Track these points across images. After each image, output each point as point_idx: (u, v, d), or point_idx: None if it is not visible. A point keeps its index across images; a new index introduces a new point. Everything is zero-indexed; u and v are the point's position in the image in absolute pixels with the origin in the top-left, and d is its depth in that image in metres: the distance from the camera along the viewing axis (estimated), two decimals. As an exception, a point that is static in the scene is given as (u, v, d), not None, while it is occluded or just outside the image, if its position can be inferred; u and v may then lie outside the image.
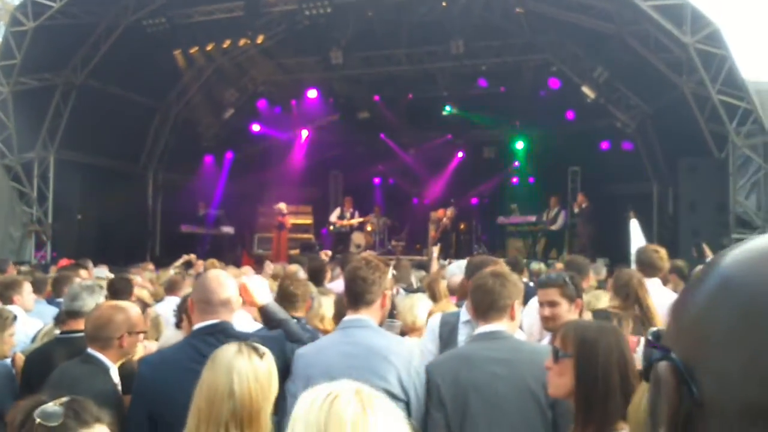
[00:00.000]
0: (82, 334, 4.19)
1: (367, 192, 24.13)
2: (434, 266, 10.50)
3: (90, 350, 3.99)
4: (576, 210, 18.71)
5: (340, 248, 20.18)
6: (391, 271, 3.79)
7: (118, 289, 6.88)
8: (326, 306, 5.62)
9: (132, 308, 4.17)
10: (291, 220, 21.17)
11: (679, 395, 0.75)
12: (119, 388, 3.91)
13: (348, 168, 24.65)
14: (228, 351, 2.73)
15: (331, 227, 21.34)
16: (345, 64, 19.18)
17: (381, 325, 3.76)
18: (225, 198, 22.80)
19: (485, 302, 3.60)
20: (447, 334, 4.63)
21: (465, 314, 4.56)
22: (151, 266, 12.67)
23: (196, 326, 3.64)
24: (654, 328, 0.84)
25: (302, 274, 8.59)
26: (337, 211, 21.40)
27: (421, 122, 22.69)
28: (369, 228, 21.73)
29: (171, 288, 8.14)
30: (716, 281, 0.77)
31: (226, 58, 20.24)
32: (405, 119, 22.87)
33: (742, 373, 0.70)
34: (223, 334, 3.53)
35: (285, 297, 5.15)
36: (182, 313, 5.18)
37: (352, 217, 21.12)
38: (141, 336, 4.13)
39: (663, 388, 0.77)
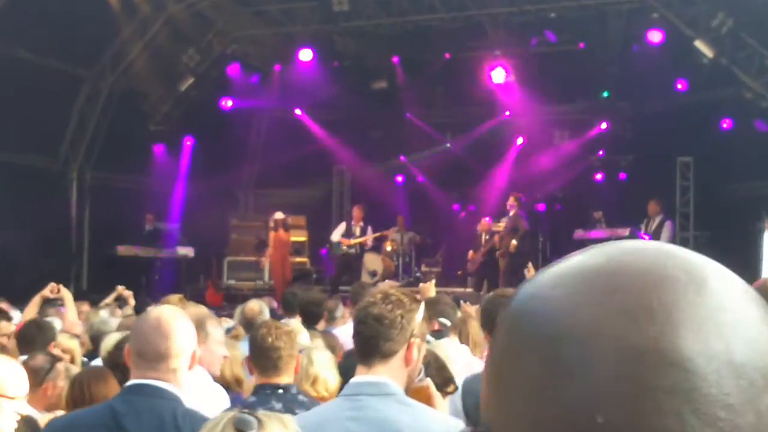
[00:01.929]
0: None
1: (385, 196, 24.06)
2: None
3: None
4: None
5: (347, 277, 20.08)
6: (421, 310, 3.75)
7: (29, 338, 6.91)
8: (320, 361, 5.64)
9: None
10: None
11: None
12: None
13: (358, 161, 24.68)
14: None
15: (334, 248, 21.28)
16: (352, 12, 19.18)
17: (408, 390, 3.72)
18: (182, 206, 22.83)
19: None
20: (474, 407, 4.63)
21: None
22: (85, 306, 12.70)
23: (126, 384, 3.90)
24: None
25: (266, 313, 8.65)
26: (341, 227, 21.30)
27: (463, 94, 22.61)
28: (389, 247, 21.65)
29: (99, 336, 8.10)
30: (506, 320, 0.89)
31: (181, 6, 20.27)
32: (440, 90, 22.79)
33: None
34: (154, 397, 3.72)
35: (260, 353, 5.10)
36: (110, 367, 5.32)
37: (364, 232, 21.02)
38: (4, 401, 4.17)
39: None
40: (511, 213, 19.64)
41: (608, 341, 0.80)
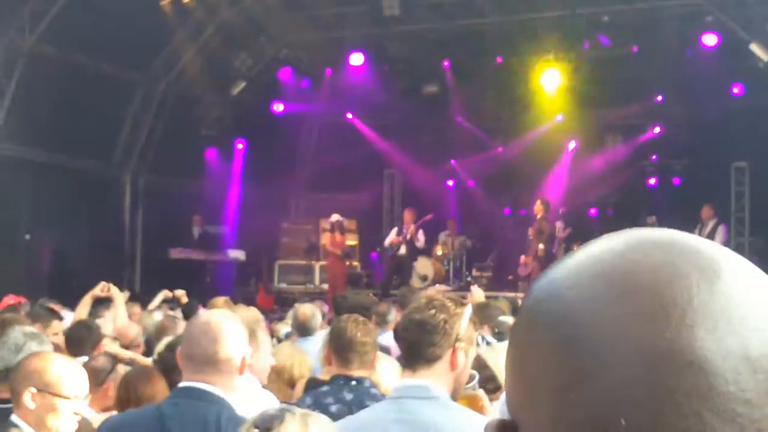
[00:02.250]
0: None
1: (436, 200, 24.05)
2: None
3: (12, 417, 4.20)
4: None
5: (397, 280, 20.13)
6: (467, 314, 3.77)
7: (78, 339, 6.98)
8: (384, 366, 5.71)
9: (57, 361, 4.33)
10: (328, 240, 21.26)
11: None
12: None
13: (409, 165, 24.69)
14: None
15: (383, 248, 21.32)
16: (404, 17, 19.21)
17: (456, 395, 3.76)
18: (234, 209, 23.04)
19: None
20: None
21: None
22: (137, 308, 12.83)
23: (176, 386, 4.00)
24: None
25: (318, 317, 8.79)
26: (393, 233, 21.37)
27: (514, 98, 22.61)
28: (440, 251, 21.67)
29: (159, 337, 8.10)
30: (524, 317, 0.90)
31: (234, 11, 20.48)
32: (491, 94, 22.76)
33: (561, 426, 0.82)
34: (201, 400, 3.75)
35: (344, 346, 5.24)
36: (162, 370, 5.42)
37: (414, 236, 21.00)
38: (62, 401, 4.21)
39: None
40: (538, 217, 19.63)
41: (626, 344, 0.81)
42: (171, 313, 11.23)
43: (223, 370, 3.84)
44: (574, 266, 0.89)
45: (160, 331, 8.54)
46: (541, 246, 19.54)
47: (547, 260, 19.17)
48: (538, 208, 19.93)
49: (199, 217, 21.92)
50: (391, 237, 21.01)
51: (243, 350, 3.91)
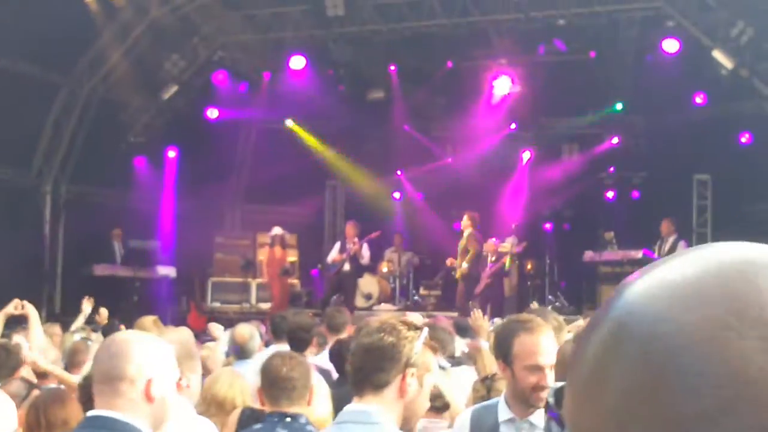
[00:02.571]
0: None
1: (381, 213, 24.02)
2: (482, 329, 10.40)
3: None
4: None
5: (339, 299, 20.03)
6: (421, 338, 3.76)
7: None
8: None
9: None
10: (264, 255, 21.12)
11: None
12: None
13: (353, 176, 24.69)
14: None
15: (325, 265, 21.21)
16: (348, 17, 19.21)
17: (408, 425, 3.80)
18: (164, 222, 22.80)
19: None
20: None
21: (505, 407, 4.68)
22: (56, 328, 12.69)
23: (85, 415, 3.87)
24: (556, 385, 1.03)
25: (257, 338, 8.81)
26: (336, 248, 21.17)
27: (465, 106, 22.63)
28: (385, 269, 21.60)
29: (72, 361, 8.21)
30: (609, 327, 0.89)
31: (165, 9, 20.29)
32: (441, 101, 22.78)
33: None
34: (105, 429, 3.57)
35: (273, 383, 5.31)
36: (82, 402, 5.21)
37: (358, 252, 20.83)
38: None
39: None
40: (465, 233, 19.51)
41: (717, 365, 0.80)
42: (92, 335, 11.07)
43: (124, 393, 3.61)
44: (660, 281, 0.88)
45: (72, 354, 8.47)
46: (465, 265, 19.32)
47: (471, 281, 19.14)
48: (465, 223, 19.73)
49: (119, 231, 21.70)
50: (334, 253, 20.83)
51: (149, 371, 3.65)
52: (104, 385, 3.66)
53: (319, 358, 8.71)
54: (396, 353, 3.64)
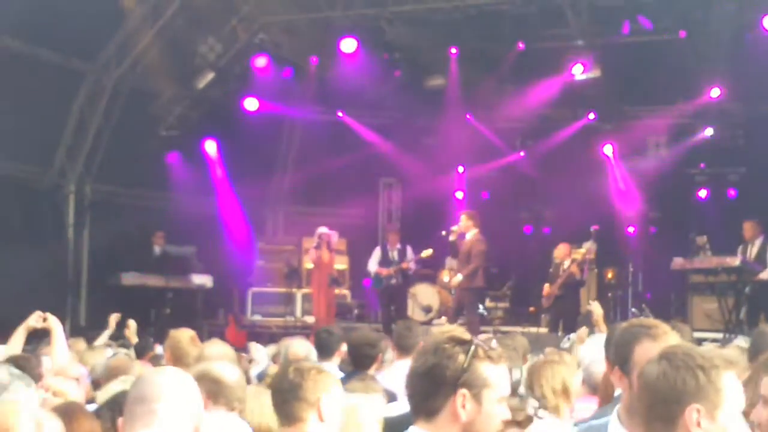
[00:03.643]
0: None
1: (442, 216, 23.75)
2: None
3: None
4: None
5: (393, 311, 19.93)
6: (470, 352, 3.77)
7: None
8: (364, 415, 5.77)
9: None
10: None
11: None
12: None
13: (410, 173, 24.69)
14: None
15: (375, 280, 21.06)
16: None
17: None
18: (200, 226, 22.73)
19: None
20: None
21: (617, 425, 4.56)
22: (81, 343, 12.68)
23: None
24: None
25: (313, 356, 8.81)
26: (376, 254, 21.15)
27: (537, 93, 22.45)
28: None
29: (110, 378, 8.07)
30: None
31: (199, -13, 20.33)
32: (509, 88, 22.62)
33: None
34: None
35: (283, 391, 5.35)
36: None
37: (402, 257, 20.83)
38: None
39: None
40: (468, 236, 19.12)
41: None
42: (125, 351, 11.06)
43: (172, 417, 3.80)
44: None
45: (111, 372, 8.41)
46: (460, 276, 18.93)
47: (472, 295, 18.87)
48: (466, 224, 19.25)
49: (162, 234, 21.74)
50: (376, 258, 20.80)
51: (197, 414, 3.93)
52: (148, 411, 3.80)
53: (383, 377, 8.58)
54: (439, 376, 3.71)
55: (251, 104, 22.94)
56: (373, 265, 21.01)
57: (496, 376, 3.74)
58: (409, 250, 20.85)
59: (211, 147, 23.17)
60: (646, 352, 4.37)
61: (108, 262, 20.95)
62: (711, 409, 3.52)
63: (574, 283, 19.66)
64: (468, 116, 23.64)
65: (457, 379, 3.69)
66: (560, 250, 20.07)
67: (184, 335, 9.56)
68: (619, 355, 4.67)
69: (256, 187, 23.66)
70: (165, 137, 22.35)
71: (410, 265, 20.66)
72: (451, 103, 23.01)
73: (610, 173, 23.27)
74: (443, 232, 19.79)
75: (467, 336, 3.88)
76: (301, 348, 9.02)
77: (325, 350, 9.19)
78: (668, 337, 4.63)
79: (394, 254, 20.90)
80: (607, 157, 23.31)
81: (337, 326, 12.26)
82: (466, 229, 19.28)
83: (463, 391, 3.69)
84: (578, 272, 19.52)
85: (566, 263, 19.69)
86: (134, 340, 12.60)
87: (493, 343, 3.87)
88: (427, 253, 20.62)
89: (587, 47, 20.94)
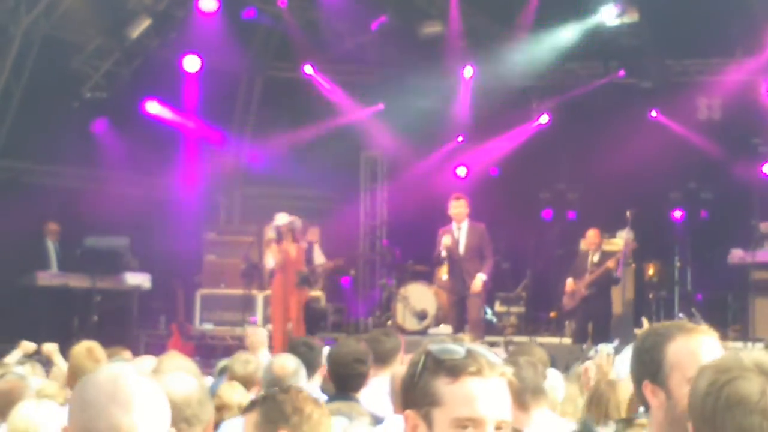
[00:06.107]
0: None
1: (440, 197, 23.77)
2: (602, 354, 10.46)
3: None
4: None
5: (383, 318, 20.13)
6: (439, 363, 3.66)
7: None
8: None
9: None
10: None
11: None
12: None
13: (398, 144, 24.86)
14: None
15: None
16: None
17: None
18: (134, 212, 22.85)
19: None
20: None
21: None
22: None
23: None
24: None
25: (302, 374, 8.44)
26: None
27: (552, 39, 22.63)
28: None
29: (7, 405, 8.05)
30: None
31: None
32: (523, 35, 22.78)
33: None
34: None
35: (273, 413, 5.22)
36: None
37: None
38: None
39: None
40: (464, 225, 19.02)
41: None
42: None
43: None
44: None
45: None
46: (482, 277, 18.89)
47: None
48: (463, 210, 19.01)
49: (54, 227, 21.70)
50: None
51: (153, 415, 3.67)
52: None
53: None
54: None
55: (192, 63, 23.00)
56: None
57: (458, 392, 3.51)
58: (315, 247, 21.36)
59: (154, 108, 23.20)
60: (681, 349, 4.28)
61: (19, 258, 21.05)
62: None
63: (608, 280, 19.75)
64: (471, 71, 23.77)
65: (405, 397, 3.69)
66: (589, 238, 20.21)
67: (81, 347, 9.73)
68: (646, 365, 4.61)
69: (205, 163, 23.72)
70: (89, 99, 22.41)
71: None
72: (450, 55, 23.19)
73: (650, 144, 23.32)
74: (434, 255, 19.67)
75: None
76: (289, 362, 8.80)
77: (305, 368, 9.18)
78: (703, 329, 4.50)
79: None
80: (648, 123, 23.51)
81: (313, 338, 12.36)
82: (461, 218, 18.99)
83: (408, 411, 3.64)
84: (616, 268, 19.57)
85: (596, 255, 19.86)
86: (58, 360, 12.56)
87: (483, 350, 3.74)
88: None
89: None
